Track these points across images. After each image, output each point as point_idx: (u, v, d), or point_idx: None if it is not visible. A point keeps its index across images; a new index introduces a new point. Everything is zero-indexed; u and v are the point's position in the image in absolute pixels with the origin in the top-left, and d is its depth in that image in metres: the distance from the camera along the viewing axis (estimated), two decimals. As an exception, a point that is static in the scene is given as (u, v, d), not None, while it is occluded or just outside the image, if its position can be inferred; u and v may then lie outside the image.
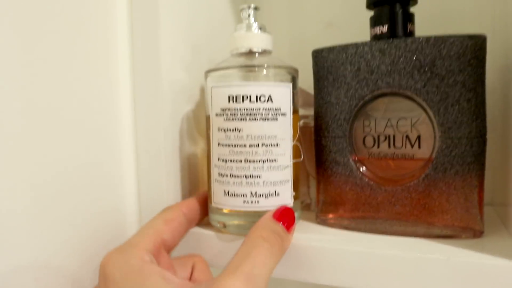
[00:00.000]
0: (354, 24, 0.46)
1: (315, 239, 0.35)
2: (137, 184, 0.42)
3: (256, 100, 0.35)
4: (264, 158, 0.35)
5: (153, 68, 0.40)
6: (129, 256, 0.29)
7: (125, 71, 0.41)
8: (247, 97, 0.35)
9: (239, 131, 0.35)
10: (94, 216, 0.38)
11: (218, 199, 0.37)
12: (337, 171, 0.37)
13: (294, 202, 0.37)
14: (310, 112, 0.43)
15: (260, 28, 0.38)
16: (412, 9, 0.37)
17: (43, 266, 0.33)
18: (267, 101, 0.35)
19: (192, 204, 0.38)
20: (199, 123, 0.45)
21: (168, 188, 0.41)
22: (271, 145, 0.35)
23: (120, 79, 0.41)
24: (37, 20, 0.33)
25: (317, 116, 0.39)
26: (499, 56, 0.41)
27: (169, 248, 0.34)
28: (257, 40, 0.38)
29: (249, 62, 0.37)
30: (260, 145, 0.35)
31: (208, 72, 0.38)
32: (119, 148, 0.41)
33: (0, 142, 0.30)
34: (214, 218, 0.38)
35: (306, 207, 0.46)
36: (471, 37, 0.33)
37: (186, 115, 0.43)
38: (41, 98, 0.33)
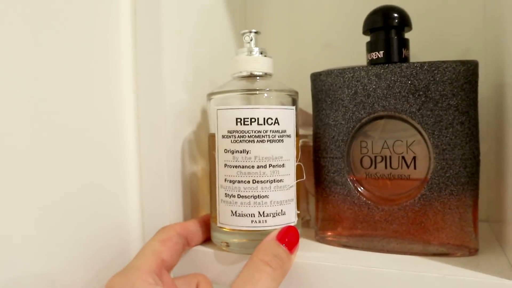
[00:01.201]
0: (351, 47, 0.47)
1: (314, 257, 0.36)
2: (141, 202, 0.43)
3: (264, 123, 0.36)
4: (271, 178, 0.36)
5: (156, 90, 0.41)
6: (134, 279, 0.30)
7: (129, 93, 0.43)
8: (255, 120, 0.36)
9: (247, 152, 0.36)
10: (100, 233, 0.39)
11: (224, 219, 0.37)
12: (335, 190, 0.38)
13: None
14: (309, 131, 0.44)
15: (261, 52, 0.39)
16: (407, 35, 0.38)
17: (51, 282, 0.34)
18: (274, 123, 0.36)
19: (188, 225, 0.39)
20: (200, 144, 0.46)
21: (170, 206, 0.42)
22: (277, 166, 0.37)
23: (124, 100, 0.42)
24: (42, 46, 0.34)
25: (316, 137, 0.40)
26: (492, 77, 0.43)
27: (169, 268, 0.35)
28: (258, 64, 0.39)
29: (250, 86, 0.39)
30: (267, 166, 0.36)
31: (211, 94, 0.39)
32: (123, 168, 0.42)
33: (11, 165, 0.31)
34: (217, 237, 0.39)
35: (305, 223, 0.47)
36: (464, 63, 0.34)
37: (188, 136, 0.44)
38: (48, 121, 0.34)
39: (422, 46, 0.44)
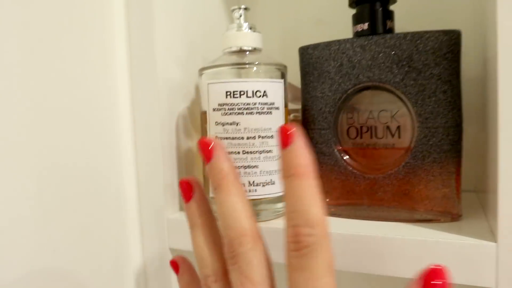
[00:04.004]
0: (341, 21, 0.48)
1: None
2: (136, 178, 0.45)
3: (252, 95, 0.37)
4: (261, 149, 0.38)
5: (149, 66, 0.42)
6: None
7: (123, 70, 0.44)
8: (244, 93, 0.37)
9: (237, 124, 0.37)
10: (95, 210, 0.40)
11: (215, 189, 0.39)
12: (323, 161, 0.40)
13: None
14: (300, 106, 0.45)
15: (250, 28, 0.40)
16: (393, 7, 0.39)
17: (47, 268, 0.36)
18: (263, 96, 0.38)
19: None
20: (194, 119, 0.47)
21: (165, 182, 0.43)
22: (266, 137, 0.38)
23: (118, 77, 0.43)
24: (36, 24, 0.35)
25: (304, 110, 0.41)
26: (479, 50, 0.44)
27: None
28: (247, 39, 0.40)
29: (240, 60, 0.40)
30: (256, 137, 0.38)
31: (202, 69, 0.40)
32: (118, 144, 0.43)
33: (5, 151, 0.33)
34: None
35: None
36: (446, 33, 0.35)
37: (182, 112, 0.45)
38: (43, 99, 0.35)
39: (408, 18, 0.45)
